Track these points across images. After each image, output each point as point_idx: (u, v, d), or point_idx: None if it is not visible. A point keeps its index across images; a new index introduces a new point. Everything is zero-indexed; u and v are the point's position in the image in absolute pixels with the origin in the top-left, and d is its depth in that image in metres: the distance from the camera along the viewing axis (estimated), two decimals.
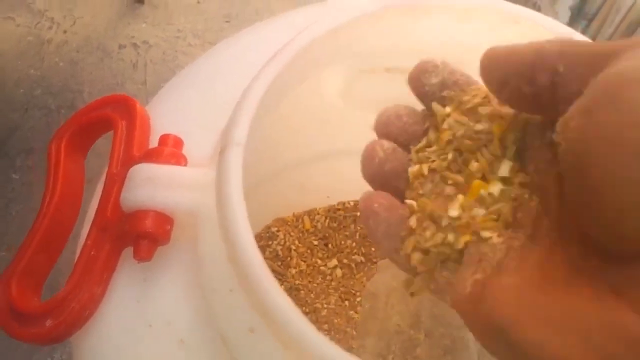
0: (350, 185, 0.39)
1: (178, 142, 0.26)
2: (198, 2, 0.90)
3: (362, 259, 0.55)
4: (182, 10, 0.89)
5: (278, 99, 0.25)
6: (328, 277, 0.55)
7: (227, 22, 0.89)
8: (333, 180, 0.49)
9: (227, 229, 0.20)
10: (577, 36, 0.27)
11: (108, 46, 0.84)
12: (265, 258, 0.54)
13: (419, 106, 0.38)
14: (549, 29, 0.26)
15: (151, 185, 0.24)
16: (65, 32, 0.85)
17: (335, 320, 0.52)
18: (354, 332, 0.52)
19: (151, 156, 0.25)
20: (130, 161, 0.26)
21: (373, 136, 0.33)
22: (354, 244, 0.56)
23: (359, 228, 0.56)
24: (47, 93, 0.80)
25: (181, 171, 0.25)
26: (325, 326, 0.53)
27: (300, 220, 0.57)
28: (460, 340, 0.44)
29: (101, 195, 0.26)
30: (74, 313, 0.24)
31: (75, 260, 0.25)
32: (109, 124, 0.29)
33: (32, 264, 0.26)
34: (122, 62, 0.83)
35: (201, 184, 0.24)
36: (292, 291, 0.54)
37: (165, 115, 0.29)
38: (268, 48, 0.29)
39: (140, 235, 0.24)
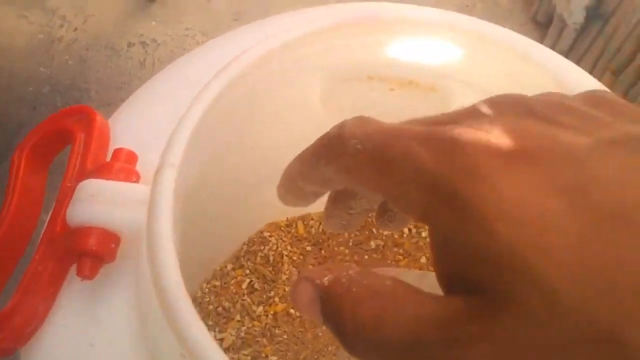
0: None
1: (132, 157, 0.26)
2: (208, 0, 0.90)
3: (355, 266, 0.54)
4: (191, 9, 0.89)
5: (229, 114, 0.24)
6: None
7: (235, 20, 0.88)
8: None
9: (150, 251, 0.19)
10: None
11: (117, 44, 0.85)
12: (256, 264, 0.53)
13: (403, 113, 0.37)
14: (512, 45, 0.25)
15: (96, 202, 0.24)
16: (75, 30, 0.86)
17: (324, 328, 0.52)
18: None
19: (102, 171, 0.25)
20: (83, 175, 0.26)
21: None
22: (347, 251, 0.55)
23: (352, 235, 0.56)
24: (55, 91, 0.81)
25: (129, 188, 0.24)
26: (320, 332, 0.52)
27: (293, 226, 0.56)
28: None
29: (53, 209, 0.26)
30: (17, 328, 0.24)
31: (23, 275, 0.25)
32: (69, 137, 0.28)
33: None
34: (130, 61, 0.83)
35: (144, 200, 0.24)
36: (283, 298, 0.53)
37: (124, 128, 0.29)
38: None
39: (84, 252, 0.23)
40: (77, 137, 0.28)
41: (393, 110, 0.39)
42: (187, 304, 0.18)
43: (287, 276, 0.55)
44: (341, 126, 0.16)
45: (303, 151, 0.17)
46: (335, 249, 0.55)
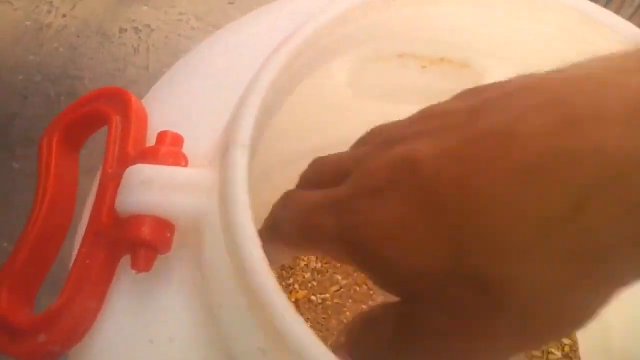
0: None
1: (177, 140, 0.24)
2: None
3: None
4: None
5: (286, 91, 0.23)
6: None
7: (230, 3, 0.86)
8: None
9: (232, 243, 0.17)
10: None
11: (108, 30, 0.82)
12: None
13: (433, 92, 0.36)
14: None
15: (148, 188, 0.22)
16: (64, 16, 0.83)
17: (348, 314, 0.51)
18: None
19: (147, 155, 0.23)
20: (125, 160, 0.24)
21: None
22: None
23: None
24: (47, 79, 0.78)
25: (181, 172, 0.22)
26: (344, 318, 0.52)
27: None
28: None
29: (95, 198, 0.24)
30: (68, 328, 0.22)
31: (69, 269, 0.23)
32: (103, 119, 0.26)
33: (23, 272, 0.24)
34: (123, 47, 0.81)
35: (204, 186, 0.22)
36: (303, 285, 0.52)
37: (162, 109, 0.27)
38: (275, 35, 0.27)
39: (138, 243, 0.22)
40: (112, 119, 0.26)
41: (424, 88, 0.38)
42: (283, 299, 0.16)
43: (305, 262, 0.53)
44: (271, 211, 0.20)
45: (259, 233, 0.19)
46: None
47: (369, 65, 0.37)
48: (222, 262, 0.20)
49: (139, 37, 0.81)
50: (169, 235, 0.22)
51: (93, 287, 0.22)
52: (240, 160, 0.18)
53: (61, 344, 0.22)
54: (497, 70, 0.36)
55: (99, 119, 0.26)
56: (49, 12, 0.83)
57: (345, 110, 0.38)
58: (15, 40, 0.80)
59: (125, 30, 0.82)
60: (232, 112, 0.20)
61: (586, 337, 0.44)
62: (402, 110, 0.38)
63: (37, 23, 0.81)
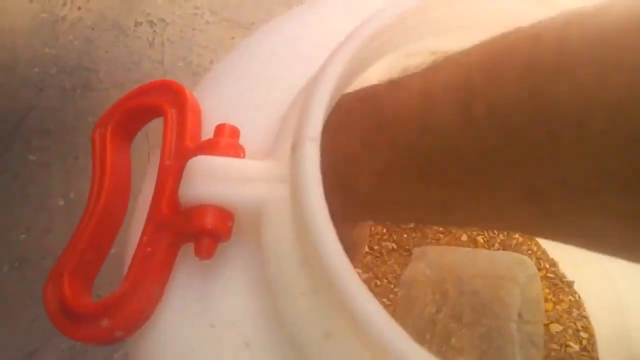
0: None
1: (235, 132, 0.25)
2: None
3: (394, 245, 0.54)
4: None
5: (344, 85, 0.23)
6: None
7: None
8: None
9: (308, 234, 0.18)
10: None
11: (123, 24, 0.82)
12: None
13: None
14: None
15: (212, 179, 0.23)
16: (79, 8, 0.83)
17: None
18: None
19: (208, 148, 0.24)
20: (184, 152, 0.25)
21: None
22: (384, 230, 0.55)
23: None
24: (63, 72, 0.78)
25: (243, 164, 0.23)
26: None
27: None
28: (499, 330, 0.43)
29: (155, 189, 0.25)
30: (131, 313, 0.23)
31: (131, 258, 0.23)
32: (157, 112, 0.27)
33: (82, 261, 0.25)
34: (138, 40, 0.81)
35: (264, 177, 0.23)
36: None
37: (215, 102, 0.27)
38: (327, 28, 0.27)
39: (202, 232, 0.22)
40: (167, 112, 0.26)
41: None
42: (368, 294, 0.17)
43: None
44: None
45: None
46: (373, 229, 0.55)
47: (403, 61, 0.38)
48: (288, 249, 0.21)
49: (154, 31, 0.82)
50: (230, 224, 0.23)
51: (156, 273, 0.23)
52: (313, 154, 0.19)
53: (124, 328, 0.23)
54: None
55: (152, 111, 0.27)
56: (65, 4, 0.83)
57: None
58: (31, 33, 0.80)
59: (141, 23, 0.82)
60: (300, 105, 0.21)
61: (604, 330, 0.45)
62: None
63: (52, 16, 0.82)
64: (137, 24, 0.82)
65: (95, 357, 0.62)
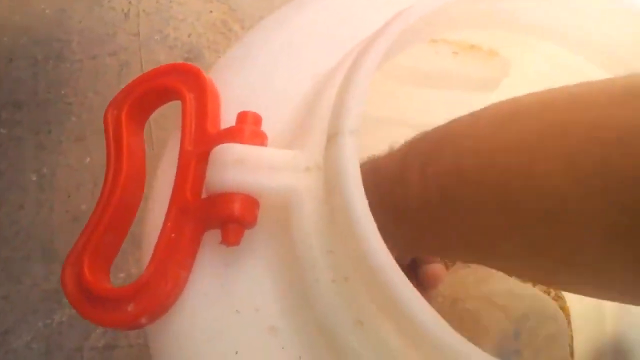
0: None
1: (257, 119, 0.25)
2: None
3: None
4: None
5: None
6: None
7: None
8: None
9: (349, 223, 0.19)
10: None
11: None
12: None
13: (463, 78, 0.38)
14: None
15: (240, 167, 0.23)
16: None
17: None
18: None
19: (232, 135, 0.24)
20: (206, 139, 0.25)
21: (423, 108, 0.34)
22: None
23: None
24: (33, 42, 0.75)
25: (270, 153, 0.23)
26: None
27: None
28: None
29: (177, 175, 0.25)
30: (157, 298, 0.23)
31: (156, 243, 0.24)
32: (173, 95, 0.27)
33: (101, 245, 0.25)
34: (113, 11, 0.79)
35: (291, 166, 0.23)
36: None
37: (232, 88, 0.27)
38: (348, 14, 0.28)
39: (230, 219, 0.23)
40: (185, 96, 0.26)
41: (456, 74, 0.39)
42: (409, 283, 0.18)
43: None
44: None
45: None
46: None
47: (425, 50, 0.38)
48: (318, 237, 0.22)
49: (130, 2, 0.80)
50: (256, 211, 0.23)
51: (181, 259, 0.23)
52: (353, 146, 0.19)
53: (150, 313, 0.23)
54: (524, 58, 0.38)
55: (168, 94, 0.27)
56: None
57: (375, 93, 0.39)
58: (0, 1, 0.77)
59: None
60: (338, 97, 0.21)
61: (578, 307, 0.47)
62: (433, 95, 0.40)
63: None
64: None
65: (73, 333, 0.62)
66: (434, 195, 0.22)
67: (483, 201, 0.20)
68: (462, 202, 0.21)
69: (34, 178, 0.69)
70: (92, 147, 0.70)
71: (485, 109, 0.23)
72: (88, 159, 0.69)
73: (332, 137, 0.20)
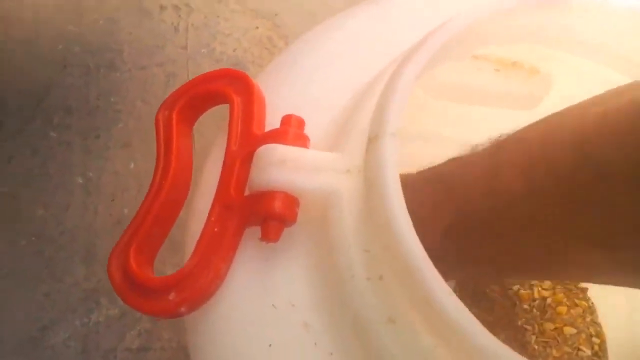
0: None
1: (301, 123, 0.26)
2: None
3: None
4: None
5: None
6: None
7: None
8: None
9: (387, 224, 0.19)
10: None
11: (148, 6, 0.83)
12: None
13: (505, 95, 0.38)
14: None
15: (283, 167, 0.24)
16: None
17: None
18: None
19: (276, 137, 0.25)
20: (251, 140, 0.26)
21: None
22: None
23: None
24: (86, 51, 0.79)
25: (312, 154, 0.24)
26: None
27: None
28: None
29: (222, 173, 0.26)
30: (198, 288, 0.24)
31: (199, 237, 0.25)
32: (222, 98, 0.28)
33: (147, 237, 0.26)
34: (163, 24, 0.82)
35: (332, 167, 0.24)
36: None
37: (276, 93, 0.29)
38: (390, 27, 0.29)
39: (271, 216, 0.24)
40: (234, 99, 0.27)
41: (497, 91, 0.40)
42: (444, 283, 0.18)
43: None
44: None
45: None
46: None
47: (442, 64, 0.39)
48: (355, 236, 0.22)
49: (179, 16, 0.82)
50: (296, 210, 0.24)
51: (223, 253, 0.24)
52: (393, 148, 0.20)
53: (190, 302, 0.24)
54: (565, 77, 0.38)
55: (218, 98, 0.28)
56: None
57: (419, 110, 0.40)
58: (56, 10, 0.81)
59: (166, 8, 0.83)
60: (379, 101, 0.22)
61: (614, 337, 0.46)
62: (475, 111, 0.40)
63: None
64: (162, 7, 0.83)
65: (109, 333, 0.63)
66: (551, 194, 0.22)
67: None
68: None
69: (80, 181, 0.72)
70: (137, 154, 0.72)
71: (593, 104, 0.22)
72: (133, 165, 0.72)
73: (373, 139, 0.21)
